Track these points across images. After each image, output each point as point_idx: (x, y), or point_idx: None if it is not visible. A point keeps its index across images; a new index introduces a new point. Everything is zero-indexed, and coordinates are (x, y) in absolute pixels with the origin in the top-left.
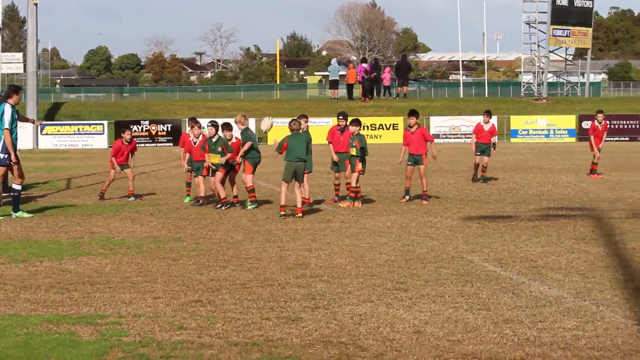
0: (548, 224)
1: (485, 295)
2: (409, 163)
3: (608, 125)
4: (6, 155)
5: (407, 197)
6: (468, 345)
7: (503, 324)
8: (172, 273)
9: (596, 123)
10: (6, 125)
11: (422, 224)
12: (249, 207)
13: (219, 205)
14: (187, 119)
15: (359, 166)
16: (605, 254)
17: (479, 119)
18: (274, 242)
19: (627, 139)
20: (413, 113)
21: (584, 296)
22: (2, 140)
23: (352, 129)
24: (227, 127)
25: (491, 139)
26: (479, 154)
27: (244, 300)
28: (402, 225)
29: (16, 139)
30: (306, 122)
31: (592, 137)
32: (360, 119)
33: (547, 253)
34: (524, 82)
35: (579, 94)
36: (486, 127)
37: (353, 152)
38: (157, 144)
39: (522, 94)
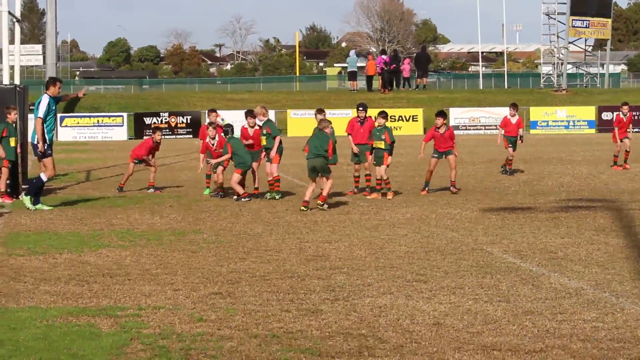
0: (568, 216)
1: (505, 287)
2: (435, 156)
3: (633, 117)
4: (45, 146)
5: (427, 189)
6: (488, 337)
7: (523, 316)
8: (191, 265)
9: (621, 115)
10: (40, 115)
11: (442, 216)
12: (275, 197)
13: (235, 197)
14: (206, 111)
15: (388, 160)
16: (625, 245)
17: (499, 110)
18: (294, 234)
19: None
20: (441, 114)
21: (603, 288)
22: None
23: (380, 121)
24: (250, 114)
25: (518, 131)
26: (510, 146)
27: (263, 292)
28: (422, 217)
29: (51, 130)
30: (324, 115)
31: (616, 129)
32: (377, 110)
33: (567, 244)
34: (543, 74)
35: (598, 85)
36: (513, 120)
37: (381, 145)
38: (177, 136)
39: (541, 85)
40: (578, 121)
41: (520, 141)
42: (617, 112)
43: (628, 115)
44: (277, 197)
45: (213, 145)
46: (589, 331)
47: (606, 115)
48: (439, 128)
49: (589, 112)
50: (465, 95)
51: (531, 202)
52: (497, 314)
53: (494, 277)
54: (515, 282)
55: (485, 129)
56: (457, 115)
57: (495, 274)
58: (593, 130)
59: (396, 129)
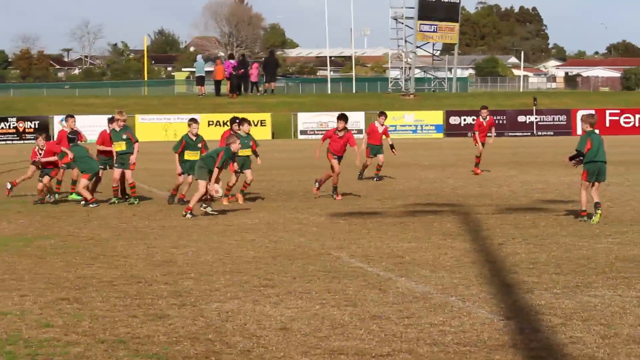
0: (415, 220)
1: (352, 292)
2: (335, 157)
3: (495, 120)
4: None
5: (318, 188)
6: (335, 342)
7: (370, 320)
8: (38, 271)
9: (481, 119)
10: None
11: (290, 221)
12: (134, 202)
13: (83, 202)
14: (54, 116)
15: (258, 161)
16: (471, 249)
17: (348, 114)
18: (141, 239)
19: (495, 134)
20: (342, 117)
21: (450, 292)
22: None
23: (246, 127)
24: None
25: (383, 138)
26: (372, 156)
27: (110, 298)
28: (270, 222)
29: None
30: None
31: (476, 133)
32: (226, 115)
33: (414, 249)
34: (391, 78)
35: (446, 90)
36: (380, 129)
37: (249, 152)
38: (25, 141)
39: (389, 90)
40: (426, 125)
41: (393, 152)
42: (477, 117)
43: (488, 119)
44: (135, 202)
45: (40, 154)
46: (436, 335)
47: (454, 120)
48: (339, 131)
49: (436, 117)
50: (314, 100)
51: (379, 206)
52: (344, 318)
53: (342, 282)
54: (363, 287)
55: None
56: (306, 120)
57: (342, 278)
58: (441, 135)
59: None
